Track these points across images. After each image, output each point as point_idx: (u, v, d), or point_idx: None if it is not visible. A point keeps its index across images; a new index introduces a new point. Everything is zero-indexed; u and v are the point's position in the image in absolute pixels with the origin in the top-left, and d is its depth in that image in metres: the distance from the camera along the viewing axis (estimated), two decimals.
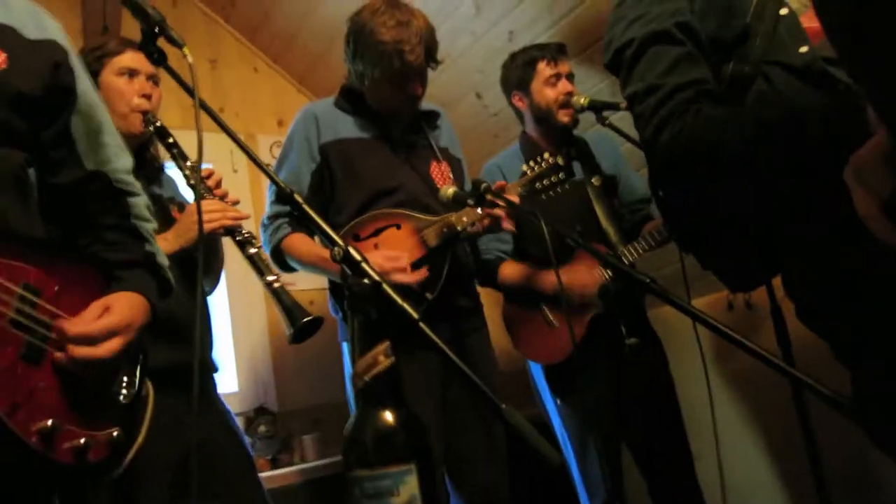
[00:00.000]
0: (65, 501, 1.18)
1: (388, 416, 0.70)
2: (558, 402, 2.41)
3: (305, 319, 1.67)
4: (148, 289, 1.27)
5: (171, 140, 1.85)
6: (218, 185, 1.91)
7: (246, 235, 1.78)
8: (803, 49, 1.17)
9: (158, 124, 1.86)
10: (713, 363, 2.75)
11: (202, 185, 1.82)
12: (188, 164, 1.84)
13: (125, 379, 1.25)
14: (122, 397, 1.22)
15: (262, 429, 2.92)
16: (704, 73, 1.22)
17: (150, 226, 1.37)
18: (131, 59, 1.90)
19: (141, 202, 1.37)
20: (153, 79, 1.95)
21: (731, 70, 1.24)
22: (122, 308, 1.18)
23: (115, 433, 1.17)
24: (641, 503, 2.46)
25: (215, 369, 1.99)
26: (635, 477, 2.42)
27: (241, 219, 1.82)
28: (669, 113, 1.20)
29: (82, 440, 1.09)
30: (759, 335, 2.18)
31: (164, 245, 1.66)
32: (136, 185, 1.38)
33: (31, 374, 1.05)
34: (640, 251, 2.28)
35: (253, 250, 1.75)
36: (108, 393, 1.21)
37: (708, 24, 1.26)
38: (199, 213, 1.16)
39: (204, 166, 1.80)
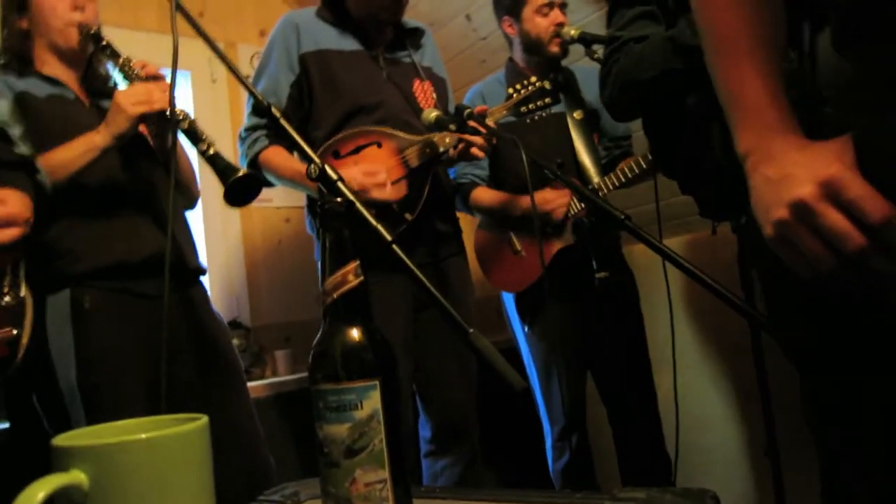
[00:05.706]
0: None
1: (355, 333, 0.71)
2: (526, 329, 2.46)
3: (236, 176, 1.60)
4: (29, 190, 1.28)
5: (103, 42, 1.80)
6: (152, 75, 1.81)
7: (179, 114, 1.69)
8: None
9: (93, 31, 1.80)
10: (681, 301, 2.81)
11: (133, 73, 1.75)
12: (121, 59, 1.78)
13: (7, 280, 1.26)
14: (5, 300, 1.24)
15: (234, 342, 2.94)
16: (657, 30, 1.38)
17: (15, 131, 1.37)
18: None
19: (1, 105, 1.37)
20: None
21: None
22: (17, 201, 1.20)
23: (14, 332, 1.20)
24: (602, 431, 2.55)
25: (202, 271, 2.00)
26: (598, 406, 2.49)
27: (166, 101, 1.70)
28: (614, 61, 1.41)
29: None
30: None
31: (98, 139, 1.63)
32: None
33: None
34: (614, 184, 2.27)
35: (186, 123, 1.68)
36: None
37: None
38: (173, 106, 1.13)
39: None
